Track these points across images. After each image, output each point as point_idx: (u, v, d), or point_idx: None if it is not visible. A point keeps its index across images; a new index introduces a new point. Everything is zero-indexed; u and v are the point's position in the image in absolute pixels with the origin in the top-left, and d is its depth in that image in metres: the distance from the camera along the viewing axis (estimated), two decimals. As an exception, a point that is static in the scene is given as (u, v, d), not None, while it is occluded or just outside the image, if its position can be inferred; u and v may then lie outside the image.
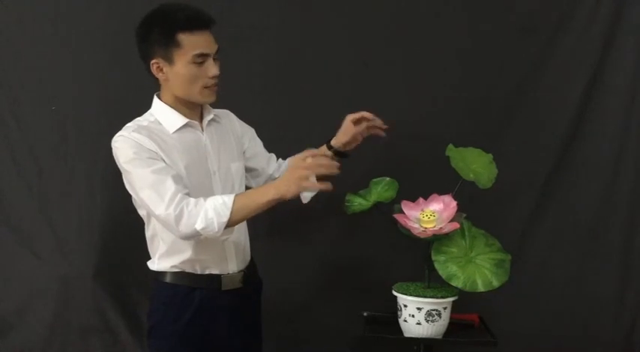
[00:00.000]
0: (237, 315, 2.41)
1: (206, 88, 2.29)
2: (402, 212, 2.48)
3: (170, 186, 2.18)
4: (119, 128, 2.99)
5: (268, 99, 3.04)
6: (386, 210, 2.53)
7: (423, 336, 2.48)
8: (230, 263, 2.38)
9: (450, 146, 2.61)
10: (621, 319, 3.05)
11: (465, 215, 2.49)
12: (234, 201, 2.17)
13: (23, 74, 3.06)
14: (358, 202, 2.65)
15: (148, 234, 2.46)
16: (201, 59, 2.25)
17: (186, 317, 2.31)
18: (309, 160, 2.19)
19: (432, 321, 2.47)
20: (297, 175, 2.17)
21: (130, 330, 3.03)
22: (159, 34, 2.25)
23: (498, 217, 2.91)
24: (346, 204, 2.65)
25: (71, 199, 3.05)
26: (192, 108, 2.35)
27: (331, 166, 2.22)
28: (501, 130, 3.04)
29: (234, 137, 2.50)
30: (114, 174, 2.99)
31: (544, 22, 3.03)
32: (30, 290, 3.02)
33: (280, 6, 3.03)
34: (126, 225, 3.02)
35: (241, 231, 2.44)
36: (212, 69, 2.27)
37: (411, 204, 2.49)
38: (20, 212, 3.05)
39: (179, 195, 2.18)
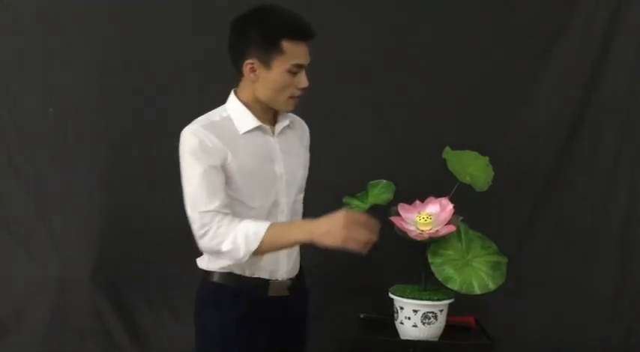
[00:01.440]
0: (282, 322, 2.37)
1: (291, 97, 2.26)
2: (398, 214, 2.48)
3: (213, 199, 2.16)
4: (117, 129, 3.05)
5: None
6: (383, 213, 2.53)
7: (420, 338, 2.49)
8: (280, 270, 2.32)
9: (447, 149, 2.62)
10: (619, 321, 3.05)
11: (461, 218, 2.49)
12: (266, 232, 2.13)
13: (22, 75, 3.06)
14: (355, 204, 2.65)
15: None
16: (297, 69, 2.22)
17: (234, 321, 2.26)
18: (369, 225, 2.07)
19: (428, 324, 2.47)
20: (349, 235, 2.04)
21: (127, 331, 3.02)
22: (262, 36, 2.19)
23: (495, 220, 2.89)
24: (343, 206, 2.65)
25: (69, 200, 3.04)
26: (267, 111, 2.30)
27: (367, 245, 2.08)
28: (499, 132, 3.04)
29: (302, 146, 2.45)
30: (112, 175, 3.04)
31: (543, 23, 3.04)
32: (27, 291, 3.02)
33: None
34: (123, 227, 3.05)
35: None
36: (304, 80, 2.24)
37: (408, 206, 2.49)
38: (18, 213, 3.05)
39: (214, 211, 2.15)
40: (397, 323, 2.54)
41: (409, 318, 2.48)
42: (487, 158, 2.65)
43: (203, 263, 2.33)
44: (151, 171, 3.05)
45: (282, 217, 2.30)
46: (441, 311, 2.49)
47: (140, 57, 3.05)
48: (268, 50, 2.18)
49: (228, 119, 2.26)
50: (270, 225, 2.15)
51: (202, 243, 2.18)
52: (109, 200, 3.05)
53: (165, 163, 3.01)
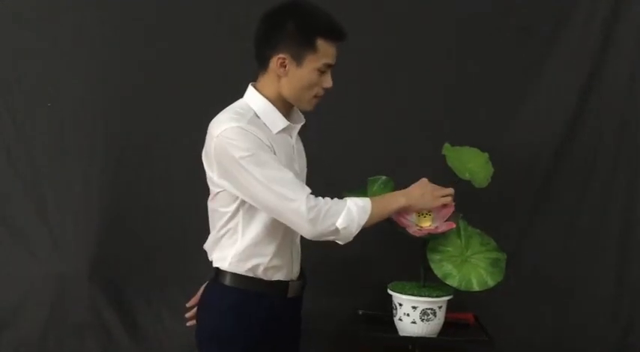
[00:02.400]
0: (295, 323, 2.38)
1: (315, 97, 2.25)
2: (397, 211, 2.48)
3: (303, 183, 2.15)
4: (116, 127, 3.04)
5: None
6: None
7: (418, 335, 2.48)
8: (294, 268, 2.31)
9: (447, 145, 2.62)
10: (618, 320, 3.04)
11: (461, 214, 2.49)
12: (372, 204, 2.18)
13: (21, 74, 3.06)
14: (354, 201, 2.64)
15: (221, 230, 2.24)
16: (325, 69, 2.22)
17: (258, 325, 2.22)
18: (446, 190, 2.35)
19: (427, 320, 2.47)
20: (438, 193, 2.31)
21: (125, 329, 3.01)
22: (297, 31, 2.16)
23: (495, 217, 2.89)
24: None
25: (67, 198, 3.04)
26: (286, 108, 2.27)
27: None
28: (499, 131, 3.04)
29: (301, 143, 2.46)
30: (112, 175, 3.03)
31: (543, 23, 3.04)
32: (26, 288, 3.00)
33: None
34: (123, 225, 3.04)
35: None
36: (329, 80, 2.24)
37: (407, 202, 2.49)
38: (16, 211, 3.04)
39: (311, 194, 2.13)
40: (396, 319, 2.54)
41: (408, 315, 2.48)
42: (486, 154, 2.65)
43: (224, 264, 2.24)
44: (150, 171, 3.06)
45: None
46: (440, 307, 2.49)
47: (140, 57, 3.05)
48: (302, 46, 2.17)
49: (256, 117, 2.20)
50: (371, 198, 2.22)
51: (315, 227, 2.11)
52: (108, 199, 3.04)
53: (164, 163, 3.05)
